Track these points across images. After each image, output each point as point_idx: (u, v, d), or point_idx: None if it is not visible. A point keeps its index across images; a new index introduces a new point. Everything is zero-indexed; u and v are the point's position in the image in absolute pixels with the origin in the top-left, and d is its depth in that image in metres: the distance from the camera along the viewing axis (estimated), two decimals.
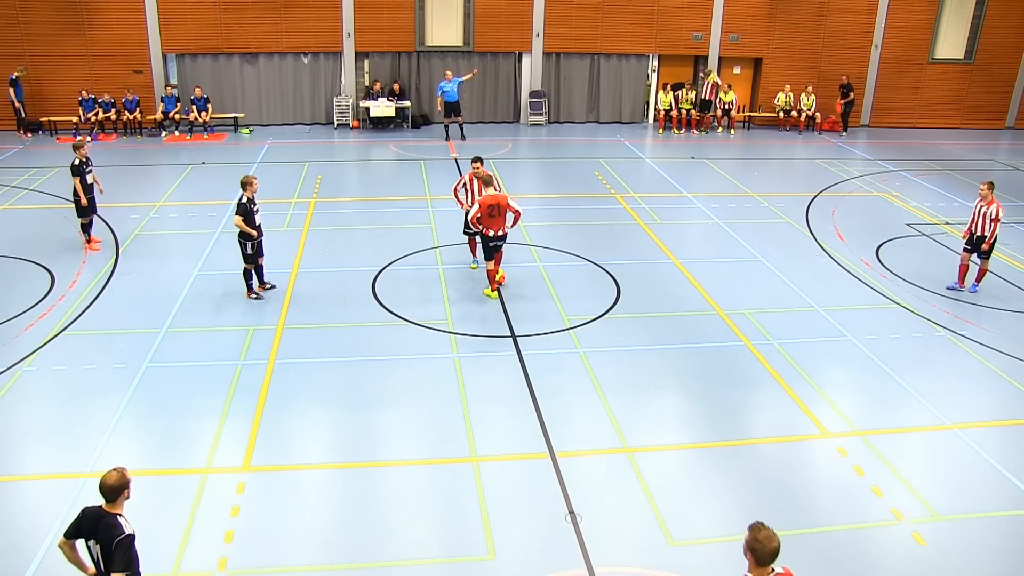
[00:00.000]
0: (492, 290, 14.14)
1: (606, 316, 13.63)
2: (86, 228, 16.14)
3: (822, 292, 14.69)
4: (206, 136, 25.85)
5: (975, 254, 14.66)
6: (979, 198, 14.55)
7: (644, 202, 19.80)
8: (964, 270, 14.82)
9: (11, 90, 24.73)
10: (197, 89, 25.88)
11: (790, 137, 27.81)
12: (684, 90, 27.84)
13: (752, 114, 29.25)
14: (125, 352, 12.05)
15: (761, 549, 5.66)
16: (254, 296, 13.91)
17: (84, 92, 25.17)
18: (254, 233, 13.54)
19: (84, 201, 15.82)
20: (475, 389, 11.29)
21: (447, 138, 26.17)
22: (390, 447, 10.06)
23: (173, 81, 26.58)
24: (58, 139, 25.12)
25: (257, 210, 13.63)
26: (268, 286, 14.20)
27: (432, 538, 8.54)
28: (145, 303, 13.70)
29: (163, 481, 9.30)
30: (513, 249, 15.97)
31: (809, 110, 28.02)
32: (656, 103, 28.71)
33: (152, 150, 24.41)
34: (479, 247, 14.74)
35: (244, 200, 13.43)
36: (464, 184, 15.03)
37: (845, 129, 28.38)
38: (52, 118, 25.70)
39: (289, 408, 10.78)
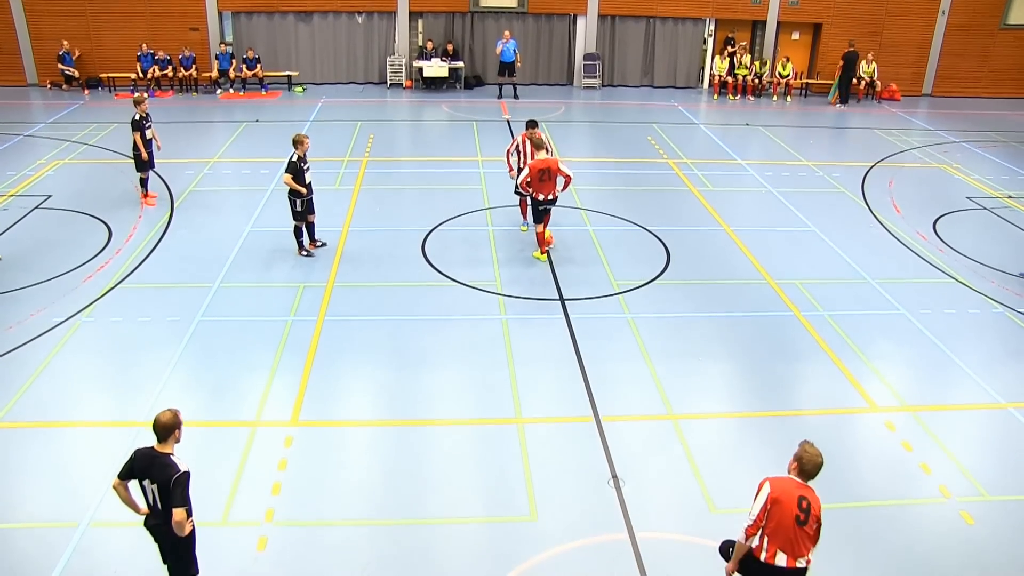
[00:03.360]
0: (541, 253, 14.12)
1: (655, 282, 13.55)
2: (144, 183, 16.38)
3: (875, 264, 14.41)
4: (263, 93, 26.05)
5: None
6: None
7: (697, 168, 19.55)
8: None
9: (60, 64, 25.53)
10: (249, 51, 26.08)
11: (849, 105, 27.13)
12: (737, 47, 27.33)
13: (810, 81, 28.56)
14: (178, 305, 12.29)
15: (808, 461, 6.36)
16: (304, 253, 14.05)
17: (144, 46, 25.48)
18: (303, 191, 13.63)
19: (144, 155, 16.00)
20: (522, 351, 11.32)
21: (500, 96, 26.25)
22: (436, 406, 10.16)
23: (228, 39, 26.77)
24: (116, 95, 25.50)
25: (308, 168, 13.69)
26: (319, 243, 14.34)
27: (475, 498, 8.64)
28: (198, 258, 13.92)
29: (213, 432, 9.51)
30: (563, 213, 15.90)
31: (869, 78, 27.29)
32: (712, 68, 28.22)
33: (207, 107, 24.68)
34: (529, 209, 14.70)
35: (295, 158, 13.52)
36: (517, 147, 14.92)
37: (844, 101, 27.00)
38: (111, 74, 26.06)
39: (337, 365, 10.93)
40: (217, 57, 26.12)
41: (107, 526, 8.00)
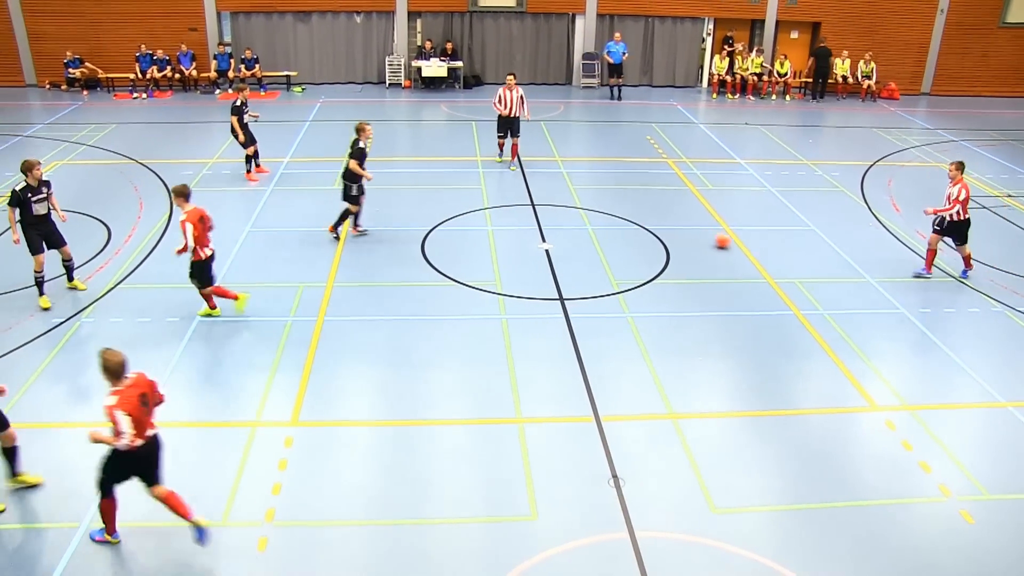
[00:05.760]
0: (211, 308, 12.07)
1: (655, 281, 13.55)
2: (248, 160, 17.95)
3: (875, 263, 14.42)
4: (262, 93, 26.05)
5: (951, 239, 13.72)
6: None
7: (696, 167, 19.55)
8: (932, 255, 13.85)
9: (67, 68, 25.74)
10: (248, 51, 26.11)
11: (847, 104, 27.16)
12: (736, 46, 27.39)
13: (808, 80, 28.54)
14: (178, 306, 12.28)
15: (111, 367, 7.15)
16: (359, 231, 14.96)
17: (143, 47, 25.47)
18: (369, 176, 14.52)
19: (242, 137, 17.61)
20: (521, 351, 11.32)
21: (611, 97, 26.84)
22: (436, 406, 10.16)
23: (227, 39, 26.76)
24: (115, 95, 25.51)
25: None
26: (359, 231, 15.03)
27: (475, 497, 8.63)
28: None
29: (213, 433, 9.50)
30: (562, 212, 15.94)
31: (868, 77, 27.29)
32: (711, 67, 28.22)
33: (206, 107, 24.65)
34: (507, 144, 18.84)
35: (362, 144, 14.45)
36: (499, 97, 18.41)
37: (821, 96, 27.44)
38: (109, 75, 26.05)
39: (337, 365, 10.93)
40: (216, 57, 26.11)
41: None
